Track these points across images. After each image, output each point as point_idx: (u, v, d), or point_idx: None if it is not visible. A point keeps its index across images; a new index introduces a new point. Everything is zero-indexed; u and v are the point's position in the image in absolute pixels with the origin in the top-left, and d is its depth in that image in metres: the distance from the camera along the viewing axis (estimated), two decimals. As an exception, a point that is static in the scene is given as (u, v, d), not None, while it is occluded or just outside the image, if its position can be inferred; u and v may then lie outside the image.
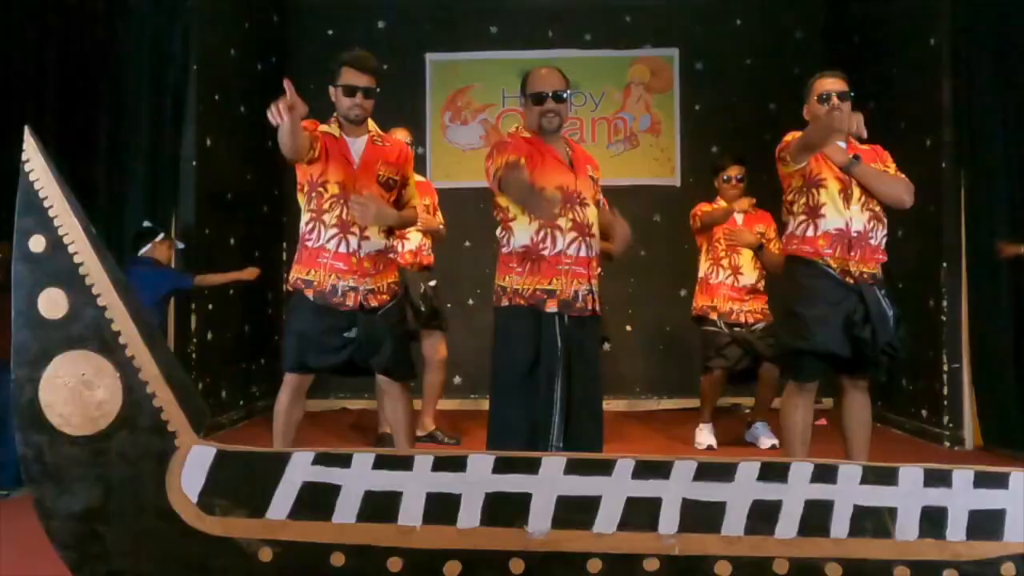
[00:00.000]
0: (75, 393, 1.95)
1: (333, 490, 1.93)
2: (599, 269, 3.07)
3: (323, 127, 3.18)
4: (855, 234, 3.10)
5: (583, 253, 2.94)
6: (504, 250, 3.00)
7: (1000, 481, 1.90)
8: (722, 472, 1.91)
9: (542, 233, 2.91)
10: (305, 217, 3.14)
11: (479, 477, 1.92)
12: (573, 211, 2.93)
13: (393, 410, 3.31)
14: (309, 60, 6.14)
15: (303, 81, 6.20)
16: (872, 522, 1.87)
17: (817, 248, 3.12)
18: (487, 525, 1.90)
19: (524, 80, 3.08)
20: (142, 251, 4.30)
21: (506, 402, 2.97)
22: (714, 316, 4.52)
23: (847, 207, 3.11)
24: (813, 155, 3.16)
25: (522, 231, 2.93)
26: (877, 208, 3.15)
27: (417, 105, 6.11)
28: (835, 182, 3.14)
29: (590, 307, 2.95)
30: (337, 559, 1.90)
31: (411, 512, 1.91)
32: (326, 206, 3.08)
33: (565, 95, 3.02)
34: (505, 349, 2.98)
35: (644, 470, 1.92)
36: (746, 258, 4.49)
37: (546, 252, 2.91)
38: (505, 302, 2.96)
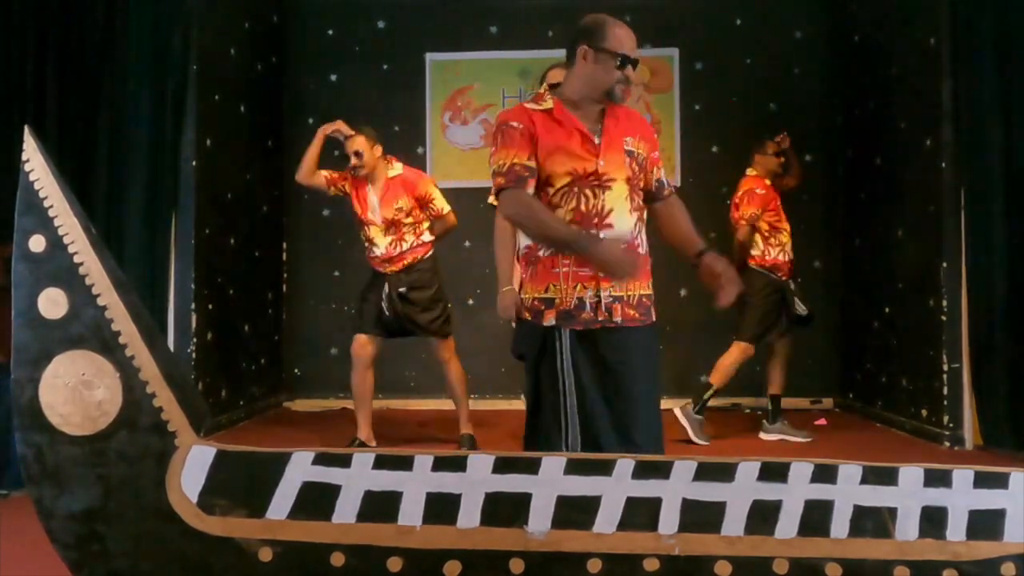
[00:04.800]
0: (75, 393, 1.95)
1: (333, 490, 1.93)
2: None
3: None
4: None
5: None
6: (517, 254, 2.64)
7: (1000, 481, 1.90)
8: (722, 472, 1.91)
9: None
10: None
11: (479, 477, 1.92)
12: (579, 197, 2.44)
13: None
14: (309, 60, 6.14)
15: (303, 81, 6.27)
16: (872, 522, 1.87)
17: None
18: (487, 525, 1.90)
19: (592, 30, 2.46)
20: None
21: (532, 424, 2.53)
22: None
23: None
24: None
25: None
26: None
27: (417, 105, 6.12)
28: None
29: (613, 317, 2.42)
30: (337, 559, 1.90)
31: (411, 512, 1.91)
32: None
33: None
34: (526, 372, 2.56)
35: (644, 470, 1.92)
36: None
37: (542, 252, 2.47)
38: (522, 315, 2.55)
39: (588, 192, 2.46)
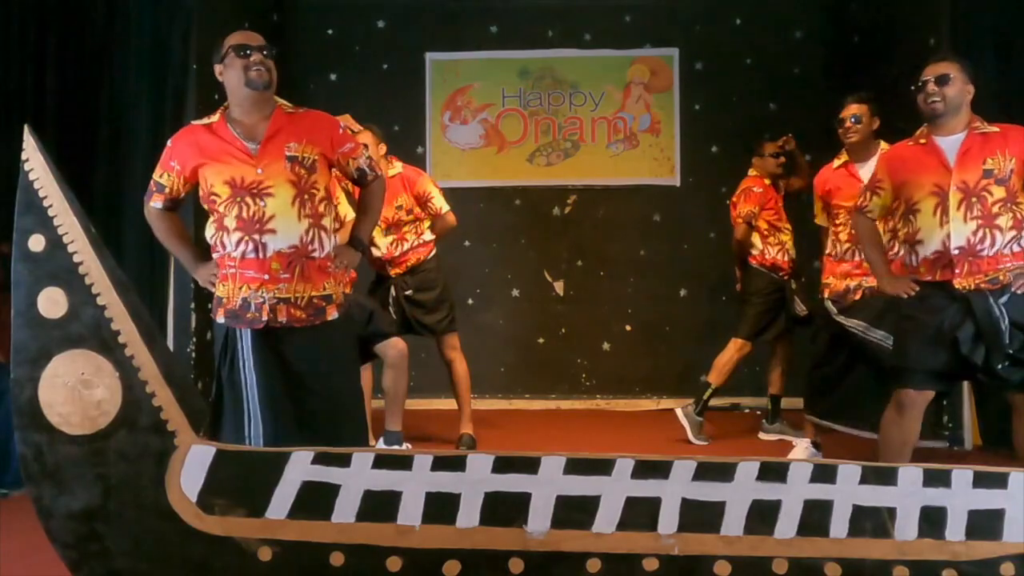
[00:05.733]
0: (74, 392, 1.95)
1: (332, 490, 1.94)
2: (299, 266, 2.58)
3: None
4: (956, 251, 2.85)
5: (252, 255, 2.57)
6: None
7: (999, 481, 1.90)
8: (721, 472, 1.91)
9: (215, 233, 2.65)
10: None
11: (478, 477, 1.93)
12: (241, 205, 2.57)
13: None
14: (309, 60, 6.14)
15: (303, 80, 6.26)
16: (871, 522, 1.88)
17: (919, 275, 2.95)
18: (486, 525, 1.90)
19: (216, 52, 2.74)
20: None
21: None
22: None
23: (943, 224, 2.86)
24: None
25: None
26: (995, 211, 2.84)
27: (417, 105, 6.10)
28: (930, 199, 2.89)
29: (278, 317, 2.56)
30: (336, 559, 1.90)
31: (410, 512, 1.91)
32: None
33: (272, 52, 2.75)
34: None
35: (644, 470, 1.92)
36: None
37: (216, 255, 2.65)
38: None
39: (249, 200, 2.59)
